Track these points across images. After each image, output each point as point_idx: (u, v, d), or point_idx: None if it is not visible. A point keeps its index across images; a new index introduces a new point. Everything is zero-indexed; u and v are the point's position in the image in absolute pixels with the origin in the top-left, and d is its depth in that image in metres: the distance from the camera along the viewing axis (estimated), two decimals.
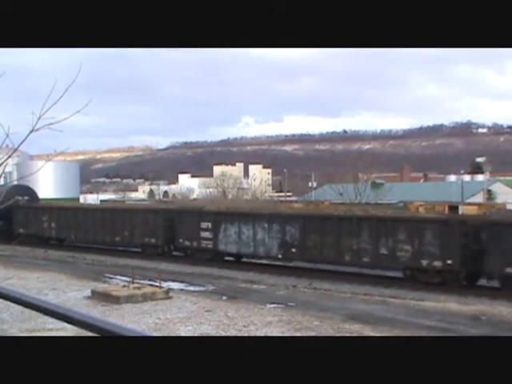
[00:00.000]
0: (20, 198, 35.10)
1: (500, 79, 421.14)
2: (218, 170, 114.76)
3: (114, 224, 30.43)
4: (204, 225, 26.60)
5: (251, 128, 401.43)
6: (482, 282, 19.97)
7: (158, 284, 17.68)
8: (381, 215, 22.85)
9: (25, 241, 32.78)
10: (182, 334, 12.21)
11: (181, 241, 27.62)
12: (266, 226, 24.45)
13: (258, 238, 24.70)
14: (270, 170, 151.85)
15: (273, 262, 25.75)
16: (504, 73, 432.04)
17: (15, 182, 41.95)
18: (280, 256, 24.23)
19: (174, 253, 28.52)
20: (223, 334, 12.36)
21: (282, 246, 23.86)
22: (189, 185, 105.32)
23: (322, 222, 22.83)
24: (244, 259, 26.61)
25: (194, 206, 34.44)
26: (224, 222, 25.96)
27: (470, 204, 48.26)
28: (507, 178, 78.13)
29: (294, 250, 23.51)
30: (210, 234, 26.37)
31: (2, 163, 7.04)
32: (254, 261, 26.60)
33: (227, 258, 26.57)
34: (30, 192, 38.61)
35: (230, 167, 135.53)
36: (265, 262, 26.68)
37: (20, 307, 2.98)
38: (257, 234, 24.74)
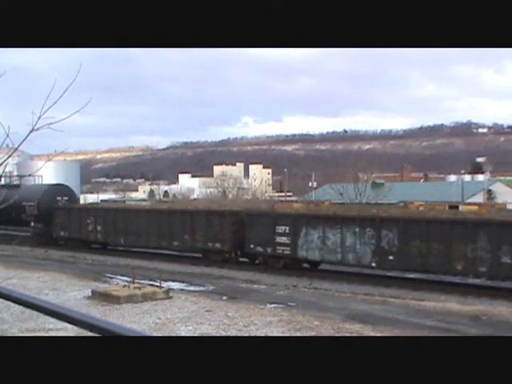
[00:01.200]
0: (59, 198, 34.85)
1: (498, 79, 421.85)
2: (218, 169, 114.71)
3: (172, 227, 27.70)
4: (280, 229, 24.19)
5: (250, 128, 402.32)
6: (483, 281, 19.97)
7: (158, 284, 17.68)
8: (501, 219, 20.21)
9: (66, 244, 32.72)
10: (183, 334, 12.21)
11: (251, 246, 25.16)
12: (356, 230, 22.07)
13: (346, 244, 22.33)
14: (270, 170, 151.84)
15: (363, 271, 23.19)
16: (502, 72, 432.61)
17: (51, 181, 40.98)
18: (374, 264, 21.89)
19: (241, 259, 26.17)
20: (223, 333, 12.36)
21: (377, 254, 21.57)
22: (189, 185, 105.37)
23: (428, 226, 20.48)
24: (322, 266, 24.56)
25: (267, 209, 30.84)
26: (305, 226, 23.58)
27: (470, 204, 48.24)
28: (507, 177, 78.11)
29: (391, 257, 21.24)
30: (288, 239, 23.98)
31: (3, 163, 7.04)
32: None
33: (305, 265, 24.63)
34: (69, 192, 36.96)
35: (230, 167, 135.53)
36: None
37: (20, 307, 2.98)
38: (345, 240, 22.34)
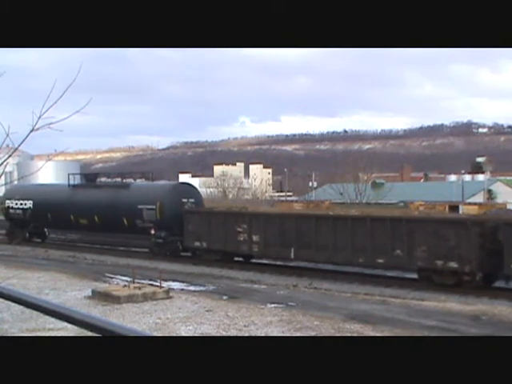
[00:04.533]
0: (185, 200, 28.37)
1: (495, 78, 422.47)
2: (218, 169, 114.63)
3: (375, 239, 21.36)
4: None
5: (248, 127, 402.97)
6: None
7: (158, 284, 17.68)
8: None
9: (202, 258, 26.52)
10: (183, 334, 12.21)
11: None
12: None
13: None
14: (270, 170, 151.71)
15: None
16: (499, 72, 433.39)
17: (167, 181, 35.97)
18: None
19: (498, 284, 19.87)
20: (224, 333, 12.37)
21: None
22: None
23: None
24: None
25: None
26: None
27: (470, 204, 48.26)
28: (508, 177, 78.10)
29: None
30: None
31: (3, 163, 7.04)
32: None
33: None
34: (195, 193, 30.49)
35: (230, 167, 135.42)
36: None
37: (20, 307, 2.98)
38: None
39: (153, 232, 27.92)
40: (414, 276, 21.42)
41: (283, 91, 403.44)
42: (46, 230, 36.47)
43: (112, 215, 29.70)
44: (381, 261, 21.46)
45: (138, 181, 34.53)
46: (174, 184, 33.81)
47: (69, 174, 35.51)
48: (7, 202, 36.26)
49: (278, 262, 25.39)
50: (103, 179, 35.25)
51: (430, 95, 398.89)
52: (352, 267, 23.03)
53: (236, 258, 26.33)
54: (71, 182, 34.54)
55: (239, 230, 25.31)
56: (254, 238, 24.85)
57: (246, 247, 25.20)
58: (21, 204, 35.42)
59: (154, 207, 27.96)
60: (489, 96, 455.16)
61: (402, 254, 20.87)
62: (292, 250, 23.69)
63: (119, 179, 34.14)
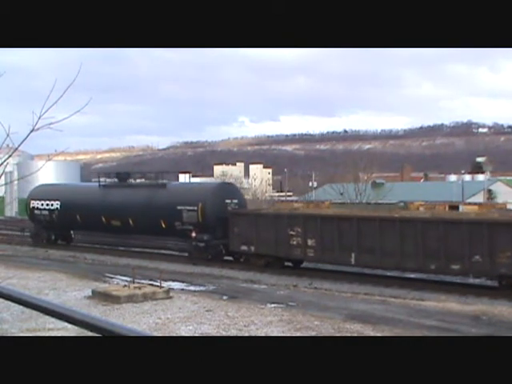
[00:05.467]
0: (228, 201, 26.60)
1: (493, 77, 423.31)
2: (218, 169, 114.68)
3: (448, 243, 19.55)
4: None
5: (247, 127, 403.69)
6: (482, 281, 19.98)
7: (158, 284, 17.68)
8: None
9: (248, 263, 24.74)
10: (183, 334, 12.21)
11: None
12: None
13: None
14: (270, 170, 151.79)
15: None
16: (497, 71, 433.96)
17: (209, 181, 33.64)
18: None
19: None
20: (224, 333, 12.36)
21: None
22: None
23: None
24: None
25: None
26: None
27: (470, 204, 48.29)
28: (508, 177, 78.18)
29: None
30: None
31: (3, 163, 7.05)
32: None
33: None
34: (237, 193, 28.95)
35: (230, 167, 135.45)
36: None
37: (20, 307, 2.98)
38: None
39: (194, 235, 26.17)
40: (411, 276, 21.41)
41: (282, 91, 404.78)
42: (71, 231, 34.60)
43: (148, 217, 28.02)
44: (456, 267, 19.71)
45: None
46: (217, 184, 32.08)
47: (99, 174, 33.82)
48: (32, 202, 34.34)
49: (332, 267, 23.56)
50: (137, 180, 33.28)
51: (429, 95, 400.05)
52: (433, 274, 21.16)
53: (286, 263, 24.58)
54: (102, 182, 32.95)
55: (292, 233, 23.52)
56: (309, 241, 23.08)
57: (299, 252, 23.39)
58: (47, 205, 33.44)
59: (195, 208, 26.24)
60: (487, 95, 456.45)
61: (481, 259, 19.08)
62: (353, 255, 21.96)
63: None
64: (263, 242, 24.19)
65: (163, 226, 27.32)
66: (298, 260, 24.32)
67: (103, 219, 30.28)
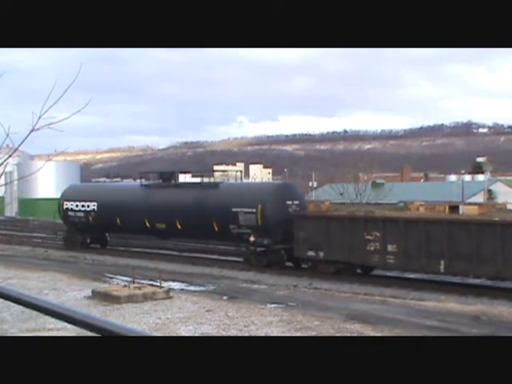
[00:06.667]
0: (289, 202, 24.77)
1: (492, 77, 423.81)
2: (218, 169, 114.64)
3: None
4: None
5: (246, 127, 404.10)
6: (482, 281, 19.97)
7: (158, 284, 17.68)
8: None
9: (316, 270, 22.85)
10: (183, 334, 12.22)
11: None
12: None
13: None
14: (270, 170, 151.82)
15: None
16: (496, 71, 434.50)
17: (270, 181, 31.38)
18: None
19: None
20: (224, 333, 12.37)
21: None
22: None
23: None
24: None
25: None
26: None
27: (470, 204, 48.24)
28: (508, 177, 78.20)
29: None
30: None
31: (3, 163, 7.05)
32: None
33: None
34: (298, 194, 26.91)
35: (230, 167, 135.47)
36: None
37: (20, 307, 2.98)
38: None
39: (252, 239, 24.28)
40: (411, 276, 21.40)
41: (281, 91, 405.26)
42: (107, 234, 32.70)
43: (198, 219, 25.98)
44: None
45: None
46: (277, 184, 29.78)
47: (140, 173, 31.63)
48: (65, 203, 32.17)
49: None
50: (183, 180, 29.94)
51: (429, 95, 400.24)
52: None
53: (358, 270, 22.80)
54: (144, 182, 30.52)
55: (369, 237, 21.55)
56: (390, 247, 21.09)
57: (377, 258, 21.37)
58: (82, 206, 31.31)
59: (253, 211, 24.35)
60: (486, 95, 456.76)
61: None
62: (442, 262, 19.87)
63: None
64: (334, 247, 22.27)
65: (216, 229, 25.50)
66: (373, 267, 22.52)
67: (146, 222, 28.25)
